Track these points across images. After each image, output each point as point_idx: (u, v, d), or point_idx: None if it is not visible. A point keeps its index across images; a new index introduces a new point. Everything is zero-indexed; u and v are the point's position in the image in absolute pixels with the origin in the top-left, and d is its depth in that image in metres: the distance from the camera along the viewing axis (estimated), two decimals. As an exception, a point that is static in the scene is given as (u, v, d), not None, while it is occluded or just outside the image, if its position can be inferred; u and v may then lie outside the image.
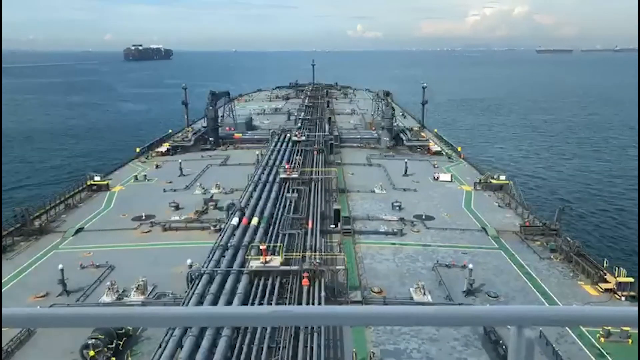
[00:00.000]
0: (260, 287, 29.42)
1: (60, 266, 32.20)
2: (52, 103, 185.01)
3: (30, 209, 44.66)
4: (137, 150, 73.45)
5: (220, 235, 36.29)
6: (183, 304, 27.57)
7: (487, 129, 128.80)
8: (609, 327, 25.40)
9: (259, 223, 38.10)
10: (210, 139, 78.75)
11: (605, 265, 34.48)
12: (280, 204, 43.44)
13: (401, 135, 78.46)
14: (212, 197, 50.27)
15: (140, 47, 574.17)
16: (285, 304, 27.67)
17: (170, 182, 57.59)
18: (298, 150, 61.95)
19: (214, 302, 26.95)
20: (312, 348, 24.03)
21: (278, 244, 34.16)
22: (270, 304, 26.94)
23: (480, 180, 56.37)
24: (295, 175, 49.64)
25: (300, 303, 27.63)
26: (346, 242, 39.81)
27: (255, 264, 30.87)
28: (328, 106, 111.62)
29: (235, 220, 37.85)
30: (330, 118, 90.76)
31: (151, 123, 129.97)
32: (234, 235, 35.64)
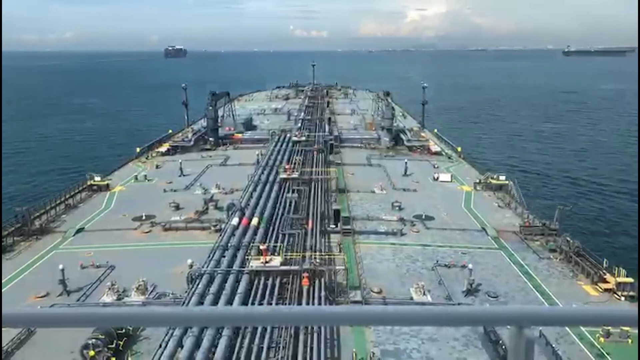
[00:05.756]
0: (261, 287, 29.42)
1: (60, 266, 32.17)
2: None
3: (30, 209, 44.65)
4: (138, 150, 73.48)
5: (221, 235, 36.29)
6: (183, 304, 27.57)
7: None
8: (609, 327, 25.41)
9: (259, 223, 38.10)
10: (210, 139, 78.78)
11: (604, 265, 34.47)
12: (280, 204, 43.43)
13: (401, 135, 78.51)
14: (212, 197, 50.26)
15: (175, 47, 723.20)
16: (285, 304, 27.68)
17: (171, 182, 57.58)
18: (298, 151, 61.93)
19: (214, 302, 26.96)
20: (312, 348, 24.04)
21: (278, 244, 34.18)
22: (270, 304, 26.96)
23: (480, 180, 56.40)
24: (295, 176, 49.62)
25: (300, 303, 27.63)
26: (346, 242, 39.80)
27: (255, 264, 30.88)
28: (328, 106, 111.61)
29: (235, 221, 37.84)
30: (330, 118, 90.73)
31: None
32: (234, 235, 35.62)
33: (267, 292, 28.97)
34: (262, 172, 51.99)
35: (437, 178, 58.91)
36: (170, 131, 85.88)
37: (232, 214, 39.78)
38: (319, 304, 27.43)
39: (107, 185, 56.16)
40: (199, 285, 28.85)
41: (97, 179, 56.23)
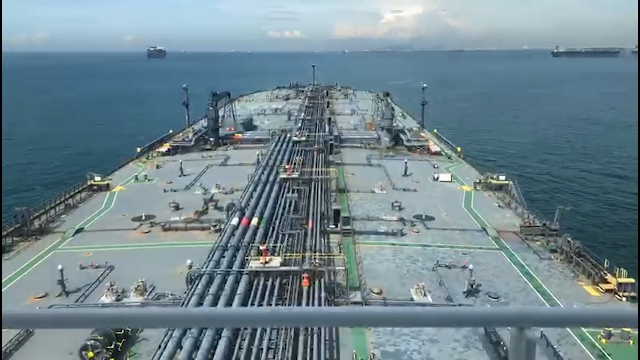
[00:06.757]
0: (260, 288, 29.38)
1: (59, 266, 32.15)
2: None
3: (30, 209, 44.63)
4: (138, 150, 73.52)
5: (220, 235, 36.25)
6: (182, 304, 27.55)
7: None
8: (610, 328, 25.39)
9: (258, 223, 38.08)
10: (211, 139, 78.88)
11: (605, 265, 34.47)
12: (280, 204, 43.41)
13: (401, 135, 78.56)
14: (212, 197, 50.26)
15: (156, 48, 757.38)
16: (285, 304, 27.65)
17: (171, 182, 57.59)
18: (298, 151, 61.96)
19: (214, 303, 26.94)
20: (311, 349, 24.01)
21: (278, 244, 34.16)
22: (270, 305, 26.94)
23: (480, 180, 56.41)
24: (295, 176, 49.62)
25: (300, 304, 27.62)
26: (346, 242, 39.78)
27: (255, 264, 30.84)
28: (328, 106, 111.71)
29: (235, 221, 37.81)
30: (330, 118, 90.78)
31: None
32: (234, 235, 35.58)
33: (267, 293, 28.91)
34: (262, 172, 51.99)
35: (437, 178, 58.92)
36: (170, 131, 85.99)
37: (232, 214, 39.75)
38: (319, 304, 27.42)
39: (107, 185, 56.19)
40: (198, 286, 28.80)
41: (97, 178, 56.28)
